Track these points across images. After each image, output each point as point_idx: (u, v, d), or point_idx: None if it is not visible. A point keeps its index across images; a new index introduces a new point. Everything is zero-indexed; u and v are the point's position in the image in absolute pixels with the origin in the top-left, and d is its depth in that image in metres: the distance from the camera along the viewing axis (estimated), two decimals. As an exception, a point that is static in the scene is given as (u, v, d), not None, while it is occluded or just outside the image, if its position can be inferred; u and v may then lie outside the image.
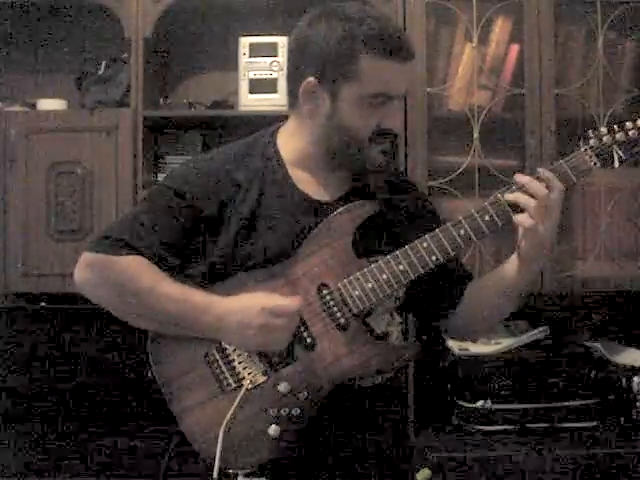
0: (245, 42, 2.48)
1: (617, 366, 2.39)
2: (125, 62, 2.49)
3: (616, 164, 1.40)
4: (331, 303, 1.41)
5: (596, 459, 2.21)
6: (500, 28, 2.45)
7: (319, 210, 1.46)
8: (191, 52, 2.73)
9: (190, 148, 2.59)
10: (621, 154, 1.40)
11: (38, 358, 2.49)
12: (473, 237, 1.40)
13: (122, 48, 2.48)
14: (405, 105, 2.40)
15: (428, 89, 2.41)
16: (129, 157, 2.40)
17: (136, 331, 1.48)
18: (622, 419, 2.34)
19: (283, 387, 1.37)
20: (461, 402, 2.34)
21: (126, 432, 2.41)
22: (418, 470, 2.15)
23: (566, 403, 2.32)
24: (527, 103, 2.40)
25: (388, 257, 1.41)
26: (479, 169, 2.41)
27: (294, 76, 1.44)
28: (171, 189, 1.47)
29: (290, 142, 1.50)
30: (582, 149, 1.40)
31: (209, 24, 2.69)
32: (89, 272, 1.45)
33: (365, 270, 1.41)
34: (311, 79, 1.41)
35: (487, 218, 1.40)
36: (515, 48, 2.45)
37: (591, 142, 1.40)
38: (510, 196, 1.38)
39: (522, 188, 1.37)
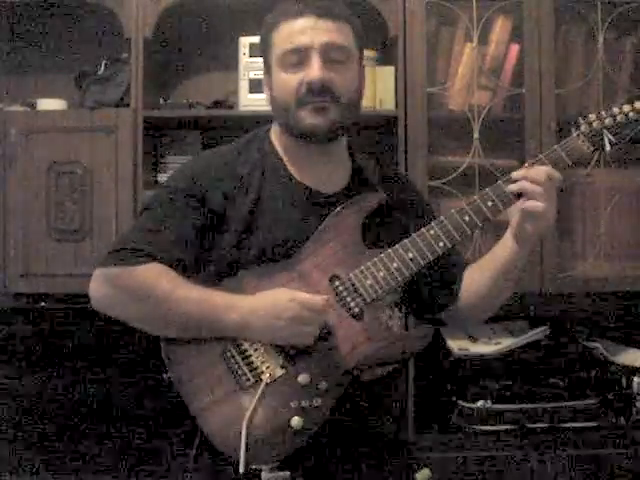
0: (245, 42, 2.48)
1: (617, 366, 2.39)
2: (125, 62, 2.48)
3: (607, 147, 1.45)
4: (344, 293, 1.42)
5: (596, 459, 2.21)
6: (500, 28, 2.45)
7: (321, 201, 1.48)
8: (191, 52, 2.73)
9: (190, 148, 2.59)
10: (611, 138, 1.44)
11: (38, 358, 2.49)
12: (478, 222, 1.43)
13: (122, 48, 2.48)
14: (405, 105, 2.40)
15: (428, 89, 2.41)
16: (129, 157, 2.40)
17: (136, 331, 1.47)
18: (622, 419, 2.34)
19: (302, 378, 1.37)
20: (461, 402, 2.34)
21: (129, 432, 2.41)
22: (418, 470, 2.15)
23: (566, 403, 2.32)
24: (527, 103, 2.40)
25: (397, 246, 1.43)
26: (479, 169, 2.41)
27: None
28: (176, 188, 1.48)
29: (278, 135, 1.53)
30: (575, 134, 1.45)
31: (209, 24, 2.69)
32: (107, 287, 1.43)
33: (375, 259, 1.42)
34: (264, 68, 1.51)
35: (489, 203, 1.42)
36: (515, 48, 2.45)
37: (582, 128, 1.45)
38: (513, 187, 1.41)
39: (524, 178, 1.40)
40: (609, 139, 1.44)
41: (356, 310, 1.42)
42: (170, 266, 1.42)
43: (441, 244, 1.42)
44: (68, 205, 2.40)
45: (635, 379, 2.34)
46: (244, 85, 2.47)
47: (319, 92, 1.42)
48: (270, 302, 1.38)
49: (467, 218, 1.43)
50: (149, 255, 1.41)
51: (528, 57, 2.41)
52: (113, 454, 2.32)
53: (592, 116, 1.46)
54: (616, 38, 2.47)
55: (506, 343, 2.41)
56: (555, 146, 1.44)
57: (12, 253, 2.40)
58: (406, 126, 2.39)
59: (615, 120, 1.45)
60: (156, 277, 1.40)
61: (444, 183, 2.41)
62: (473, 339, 2.44)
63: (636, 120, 1.44)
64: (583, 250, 2.45)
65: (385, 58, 2.53)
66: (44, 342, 2.49)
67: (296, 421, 1.35)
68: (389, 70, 2.46)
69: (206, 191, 1.45)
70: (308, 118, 1.43)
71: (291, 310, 1.36)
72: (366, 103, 2.39)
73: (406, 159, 2.38)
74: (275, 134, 1.54)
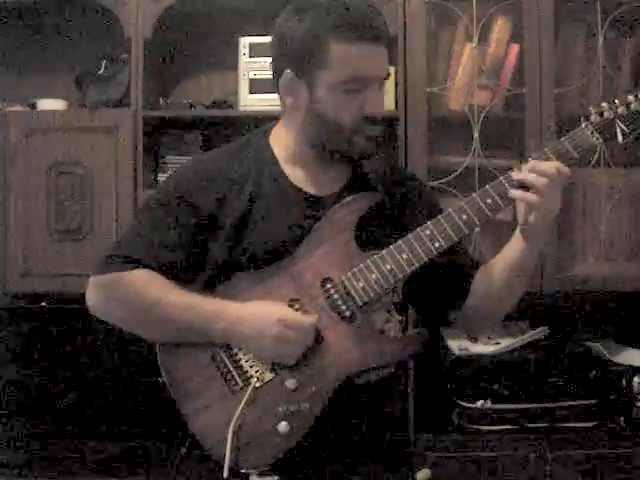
0: (245, 42, 2.48)
1: (617, 366, 2.39)
2: (125, 62, 2.49)
3: (619, 138, 1.40)
4: (335, 296, 1.41)
5: (596, 459, 2.21)
6: (500, 28, 2.44)
7: (316, 204, 1.46)
8: (191, 52, 2.73)
9: (190, 148, 2.59)
10: (624, 127, 1.39)
11: (38, 358, 2.49)
12: (476, 221, 1.40)
13: (122, 48, 2.49)
14: (405, 105, 2.40)
15: (428, 89, 2.41)
16: (129, 157, 2.40)
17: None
18: (622, 419, 2.34)
19: (291, 383, 1.37)
20: (461, 402, 2.33)
21: (128, 433, 2.41)
22: (418, 470, 2.15)
23: (566, 403, 2.32)
24: (527, 103, 2.40)
25: (391, 247, 1.40)
26: (479, 169, 2.41)
27: (275, 72, 1.46)
28: (167, 193, 1.48)
29: (281, 139, 1.51)
30: (583, 125, 1.40)
31: (209, 24, 2.69)
32: (98, 294, 1.46)
33: (368, 261, 1.40)
34: (288, 72, 1.42)
35: (489, 201, 1.39)
36: (515, 48, 2.45)
37: (592, 118, 1.40)
38: (517, 175, 1.37)
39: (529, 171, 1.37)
40: (621, 129, 1.39)
41: (347, 313, 1.40)
42: (160, 271, 1.43)
43: (437, 244, 1.39)
44: (68, 205, 2.40)
45: (635, 379, 2.34)
46: (244, 85, 2.47)
47: (373, 121, 1.43)
48: (257, 316, 1.37)
49: (465, 217, 1.39)
50: (138, 261, 1.43)
51: (528, 57, 2.40)
52: (109, 455, 2.32)
53: (604, 105, 1.40)
54: (616, 38, 2.47)
55: (506, 343, 2.40)
56: (562, 139, 1.40)
57: (12, 253, 2.40)
58: (406, 126, 2.39)
59: (629, 108, 1.39)
60: (144, 283, 1.42)
61: (444, 183, 2.41)
62: (473, 339, 2.44)
63: None
64: (583, 250, 2.45)
65: (385, 58, 2.53)
66: (44, 342, 2.49)
67: (283, 426, 1.35)
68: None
69: (197, 195, 1.44)
70: (360, 144, 1.43)
71: (276, 329, 1.35)
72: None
73: (406, 159, 2.38)
74: (277, 137, 1.52)
